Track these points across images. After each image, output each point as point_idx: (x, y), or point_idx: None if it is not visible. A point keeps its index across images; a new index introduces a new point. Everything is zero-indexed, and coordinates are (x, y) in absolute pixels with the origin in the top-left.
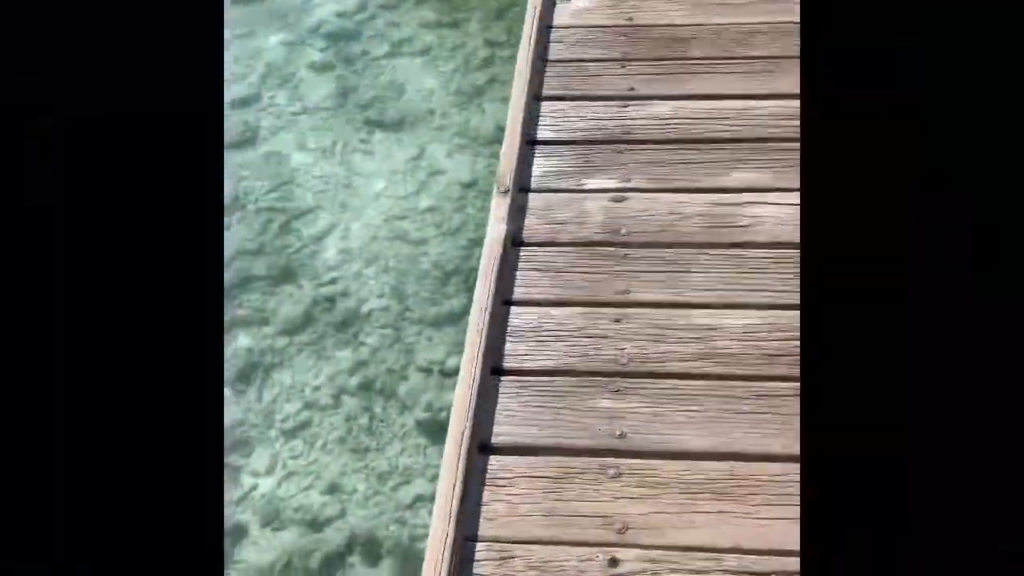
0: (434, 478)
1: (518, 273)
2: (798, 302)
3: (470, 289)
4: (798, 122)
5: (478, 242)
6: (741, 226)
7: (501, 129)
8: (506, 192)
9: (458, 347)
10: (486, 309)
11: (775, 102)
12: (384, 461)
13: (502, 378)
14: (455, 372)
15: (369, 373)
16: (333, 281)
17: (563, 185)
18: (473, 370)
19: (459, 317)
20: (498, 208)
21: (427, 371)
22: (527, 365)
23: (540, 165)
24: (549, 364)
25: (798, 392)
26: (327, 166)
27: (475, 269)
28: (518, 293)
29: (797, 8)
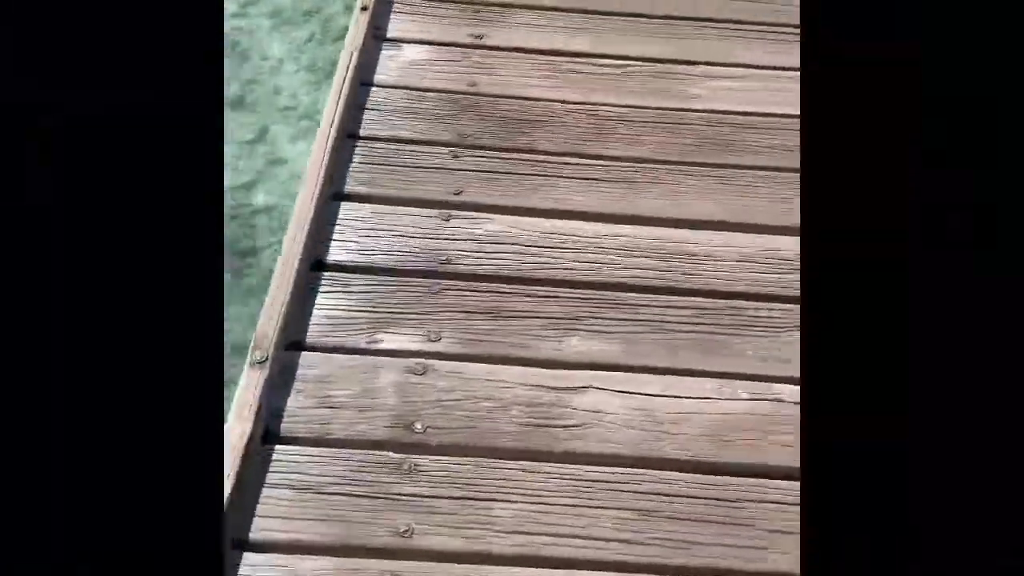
0: None
1: (264, 493)
2: (651, 560)
3: None
4: (660, 266)
5: None
6: (571, 426)
7: None
8: (263, 361)
9: None
10: None
11: (635, 230)
12: None
13: None
14: None
15: None
16: None
17: (350, 342)
18: None
19: None
20: (246, 390)
21: None
22: None
23: (324, 306)
24: None
25: None
26: None
27: None
28: (257, 531)
29: (697, 91)
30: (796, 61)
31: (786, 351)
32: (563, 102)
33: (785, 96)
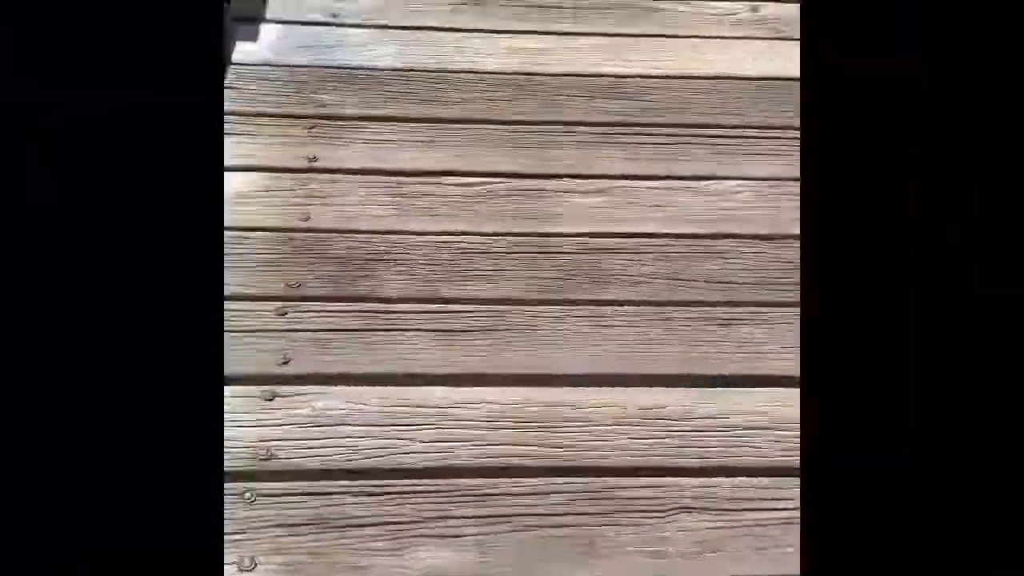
0: None
1: None
2: None
3: None
4: (524, 439)
5: None
6: None
7: None
8: None
9: None
10: None
11: (496, 393)
12: None
13: None
14: None
15: None
16: None
17: None
18: None
19: None
20: None
21: None
22: None
23: None
24: None
25: None
26: None
27: None
28: None
29: (560, 211)
30: (668, 168)
31: (674, 544)
32: (411, 233)
33: (659, 212)
